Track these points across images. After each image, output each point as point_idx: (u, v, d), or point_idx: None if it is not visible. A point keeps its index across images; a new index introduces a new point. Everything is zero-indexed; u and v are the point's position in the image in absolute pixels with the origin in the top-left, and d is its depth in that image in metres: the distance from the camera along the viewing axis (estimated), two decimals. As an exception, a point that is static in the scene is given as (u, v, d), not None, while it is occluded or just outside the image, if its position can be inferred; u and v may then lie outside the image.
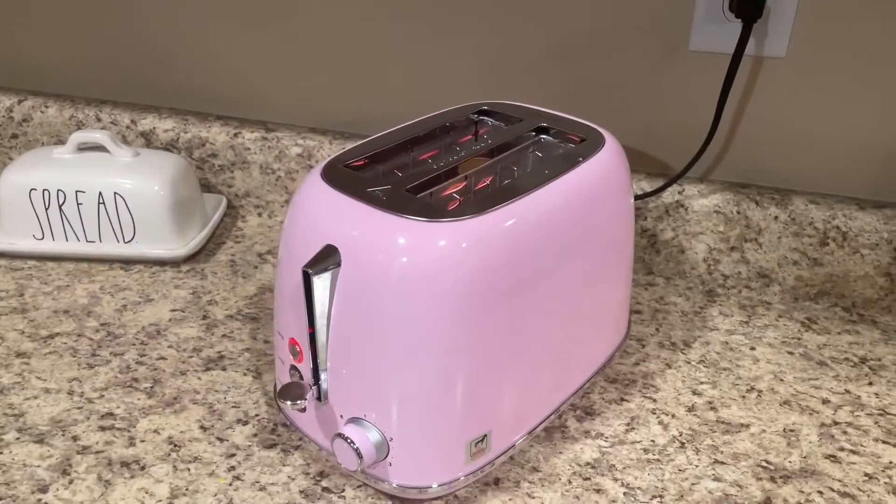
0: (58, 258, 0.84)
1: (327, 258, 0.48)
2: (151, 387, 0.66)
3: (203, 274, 0.82)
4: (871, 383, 0.68)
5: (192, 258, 0.85)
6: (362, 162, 0.57)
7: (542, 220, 0.53)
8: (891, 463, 0.59)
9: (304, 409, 0.52)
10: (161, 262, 0.84)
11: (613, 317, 0.65)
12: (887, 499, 0.56)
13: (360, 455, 0.50)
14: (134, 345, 0.71)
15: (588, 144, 0.59)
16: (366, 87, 0.87)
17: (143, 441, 0.60)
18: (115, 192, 0.81)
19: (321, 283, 0.48)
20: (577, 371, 0.62)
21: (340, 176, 0.53)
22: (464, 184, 0.56)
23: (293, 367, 0.54)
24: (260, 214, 0.94)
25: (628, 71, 0.77)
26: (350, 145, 0.87)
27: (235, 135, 0.91)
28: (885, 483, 0.57)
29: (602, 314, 0.63)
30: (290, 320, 0.53)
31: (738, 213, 0.76)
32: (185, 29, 0.90)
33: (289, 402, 0.50)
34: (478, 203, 0.51)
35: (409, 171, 0.56)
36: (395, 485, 0.53)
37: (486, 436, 0.53)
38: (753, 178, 0.78)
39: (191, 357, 0.70)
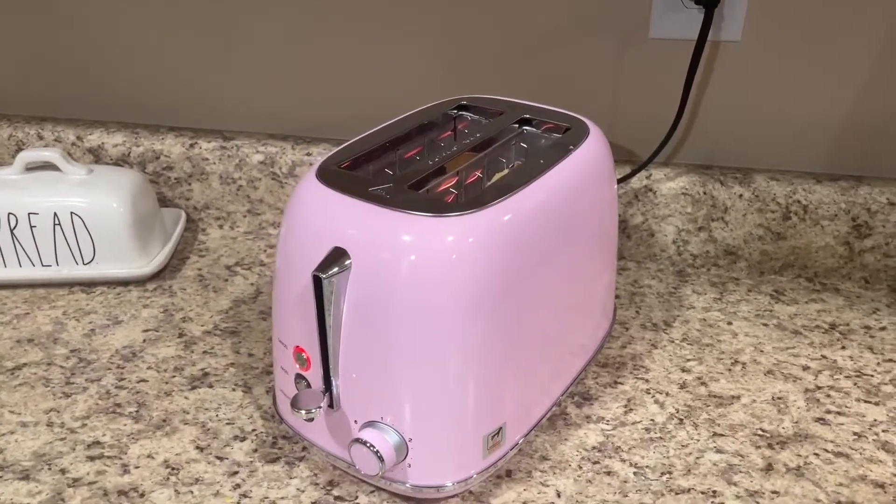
0: (12, 286, 0.79)
1: (337, 260, 0.47)
2: (137, 410, 0.63)
3: (171, 291, 0.80)
4: (843, 347, 0.71)
5: (156, 276, 0.81)
6: (350, 164, 0.56)
7: (541, 210, 0.53)
8: (875, 420, 0.62)
9: (312, 419, 0.51)
10: (125, 282, 0.80)
11: (602, 303, 0.66)
12: (878, 454, 0.59)
13: (381, 458, 0.49)
14: (110, 369, 0.68)
15: (574, 133, 0.60)
16: (325, 90, 0.86)
17: (137, 467, 0.58)
18: (71, 212, 0.77)
19: (331, 287, 0.47)
20: (574, 359, 0.63)
21: (337, 178, 0.52)
22: (457, 178, 0.56)
23: (299, 376, 0.53)
24: (221, 226, 0.92)
25: (592, 61, 0.78)
26: (315, 149, 0.86)
27: (191, 145, 0.88)
28: (874, 440, 0.60)
29: (593, 301, 0.64)
30: (294, 328, 0.52)
31: (705, 193, 0.79)
32: (128, 38, 0.87)
33: (303, 412, 0.48)
34: (478, 197, 0.51)
35: (402, 169, 0.55)
36: (410, 486, 0.52)
37: (500, 428, 0.53)
38: (716, 160, 0.81)
39: (173, 377, 0.67)
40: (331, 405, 0.52)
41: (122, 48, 0.88)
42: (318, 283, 0.46)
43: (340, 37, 0.83)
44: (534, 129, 0.62)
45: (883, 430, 0.61)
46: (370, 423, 0.50)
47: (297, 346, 0.52)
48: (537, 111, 0.64)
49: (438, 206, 0.49)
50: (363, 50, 0.83)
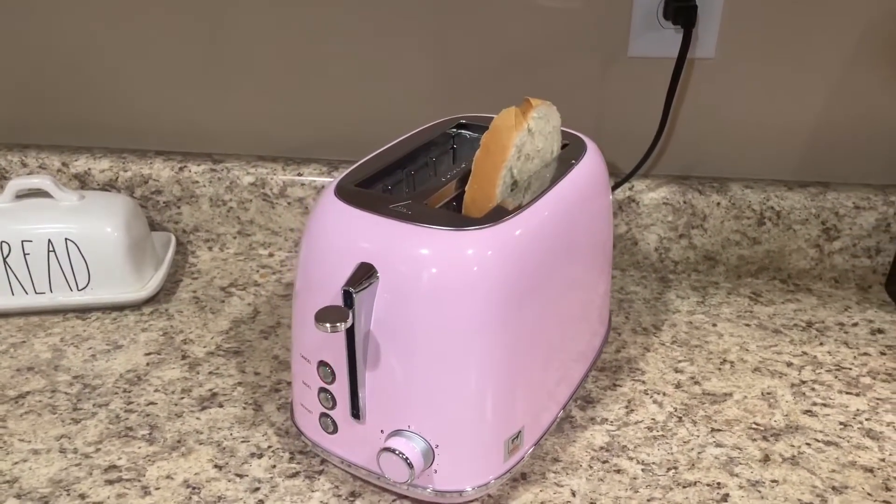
0: (4, 314, 0.79)
1: (365, 275, 0.49)
2: (150, 433, 0.64)
3: (169, 314, 0.80)
4: (821, 343, 0.75)
5: (151, 300, 0.82)
6: (364, 182, 0.58)
7: (549, 223, 0.56)
8: (858, 410, 0.66)
9: (337, 331, 0.47)
10: (120, 307, 0.80)
11: (599, 310, 0.69)
12: (865, 441, 0.63)
13: (410, 465, 0.51)
14: (116, 393, 0.68)
15: (573, 148, 0.63)
16: (315, 111, 0.88)
17: (158, 489, 0.58)
18: (66, 238, 0.77)
19: (362, 300, 0.49)
20: (578, 364, 0.66)
21: (357, 196, 0.54)
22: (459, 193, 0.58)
23: (323, 390, 0.54)
24: (211, 248, 0.92)
25: (574, 79, 0.82)
26: (305, 169, 0.88)
27: (181, 169, 0.89)
28: (860, 428, 0.64)
29: (592, 309, 0.67)
30: (318, 343, 0.53)
31: (685, 202, 0.83)
32: (112, 61, 0.87)
33: (328, 325, 0.47)
34: (493, 211, 0.53)
35: (412, 186, 0.58)
36: (433, 491, 0.54)
37: (520, 432, 0.55)
38: (694, 170, 0.85)
39: (182, 398, 0.68)
40: (357, 416, 0.53)
41: (106, 73, 0.88)
42: (348, 297, 0.48)
43: (331, 58, 0.84)
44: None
45: (866, 419, 0.65)
46: (397, 432, 0.52)
47: (322, 361, 0.53)
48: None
49: (457, 221, 0.51)
50: (354, 70, 0.85)
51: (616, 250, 0.86)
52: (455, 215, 0.54)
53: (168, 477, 0.59)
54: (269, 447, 0.62)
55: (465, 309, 0.50)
